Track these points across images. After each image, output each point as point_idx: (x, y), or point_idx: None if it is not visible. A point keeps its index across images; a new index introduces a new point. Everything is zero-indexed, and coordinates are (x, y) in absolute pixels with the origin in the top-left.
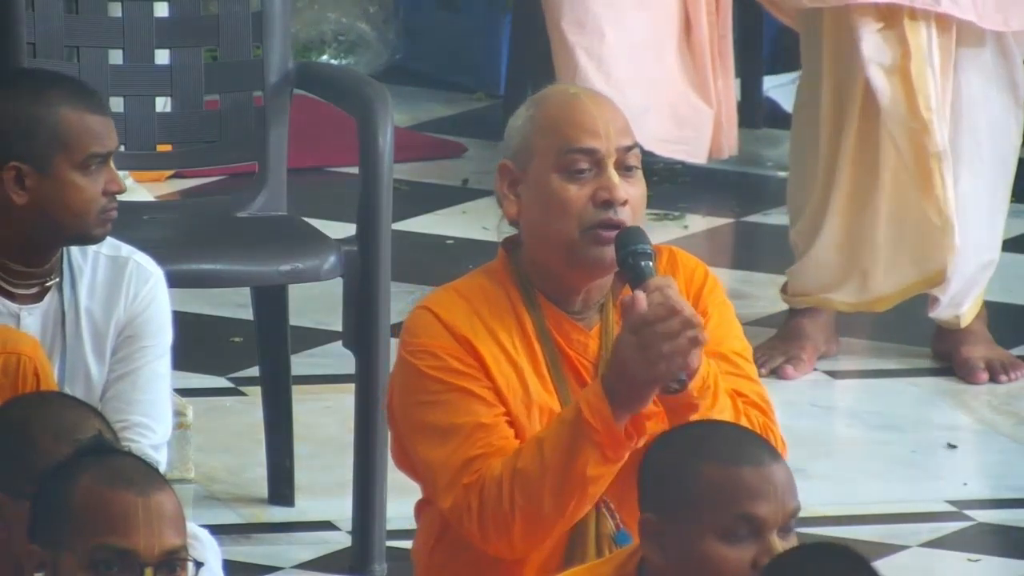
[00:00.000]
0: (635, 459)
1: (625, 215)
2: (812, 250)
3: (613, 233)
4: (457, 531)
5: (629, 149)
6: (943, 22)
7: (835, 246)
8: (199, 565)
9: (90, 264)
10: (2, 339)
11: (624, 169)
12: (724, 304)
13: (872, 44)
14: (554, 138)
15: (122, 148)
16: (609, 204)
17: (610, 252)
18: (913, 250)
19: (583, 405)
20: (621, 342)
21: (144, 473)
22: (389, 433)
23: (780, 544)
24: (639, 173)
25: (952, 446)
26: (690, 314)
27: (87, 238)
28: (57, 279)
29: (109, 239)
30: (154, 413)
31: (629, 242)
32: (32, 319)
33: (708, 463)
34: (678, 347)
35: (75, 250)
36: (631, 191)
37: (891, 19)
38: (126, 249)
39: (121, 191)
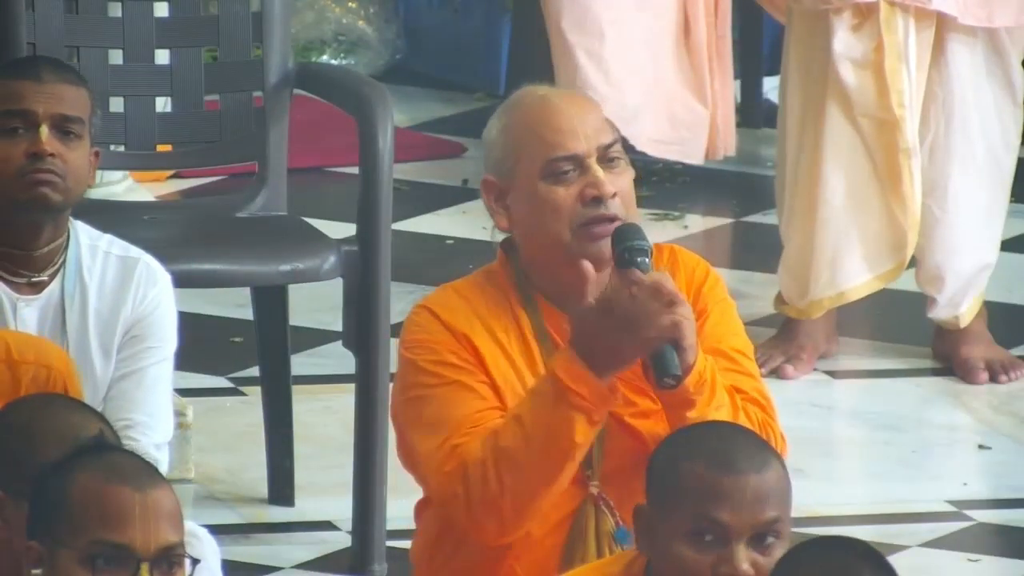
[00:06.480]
0: (635, 457)
1: (616, 208)
2: (812, 252)
3: (608, 228)
4: (455, 530)
5: (609, 146)
6: (923, 16)
7: (832, 238)
8: (196, 562)
9: (99, 264)
10: (34, 351)
11: (607, 162)
12: (725, 302)
13: (844, 40)
14: (533, 146)
15: (122, 148)
16: (599, 200)
17: (606, 247)
18: (868, 249)
19: (561, 374)
20: (586, 315)
21: (141, 469)
22: (395, 433)
23: (746, 554)
24: (623, 163)
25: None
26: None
27: (15, 203)
28: (57, 272)
29: (119, 240)
30: (156, 413)
31: (625, 238)
32: (30, 310)
33: (688, 463)
34: (660, 323)
35: (84, 248)
36: (619, 183)
37: (867, 13)
38: (135, 251)
39: (40, 152)
